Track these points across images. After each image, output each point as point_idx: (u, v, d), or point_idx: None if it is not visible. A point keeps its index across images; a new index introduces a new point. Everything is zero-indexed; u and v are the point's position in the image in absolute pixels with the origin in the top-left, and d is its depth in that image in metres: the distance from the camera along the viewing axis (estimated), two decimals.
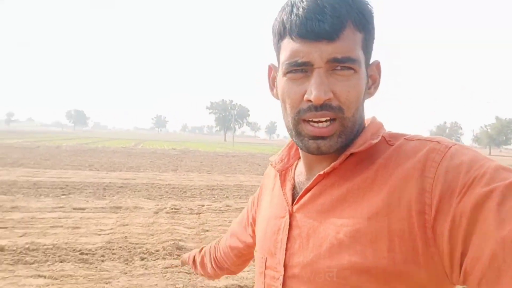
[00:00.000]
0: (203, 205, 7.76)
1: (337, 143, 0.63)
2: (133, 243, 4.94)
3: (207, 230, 5.89)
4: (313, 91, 0.59)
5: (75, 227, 5.55)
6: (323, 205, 0.64)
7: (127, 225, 5.86)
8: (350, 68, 0.60)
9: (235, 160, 22.35)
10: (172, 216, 6.68)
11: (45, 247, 4.52)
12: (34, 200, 7.27)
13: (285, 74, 0.63)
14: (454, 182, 0.52)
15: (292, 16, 0.60)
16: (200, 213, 7.09)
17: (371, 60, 0.67)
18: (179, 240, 5.20)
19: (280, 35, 0.64)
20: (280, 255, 0.69)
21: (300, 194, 0.69)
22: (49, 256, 4.26)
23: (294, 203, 0.70)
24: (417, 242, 0.53)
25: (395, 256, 0.54)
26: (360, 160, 0.64)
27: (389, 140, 0.65)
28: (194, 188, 10.03)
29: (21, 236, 4.91)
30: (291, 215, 0.69)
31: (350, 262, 0.57)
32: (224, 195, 9.27)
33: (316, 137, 0.62)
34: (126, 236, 5.22)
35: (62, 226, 5.52)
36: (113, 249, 4.64)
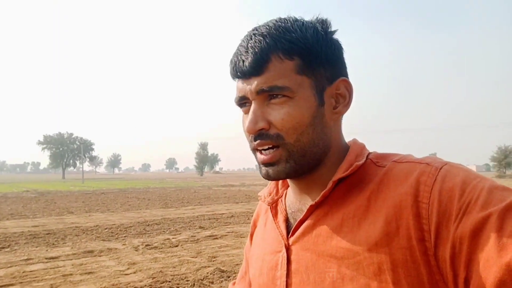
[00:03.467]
0: None
1: (286, 169, 0.63)
2: None
3: None
4: (246, 123, 0.63)
5: None
6: (319, 236, 0.62)
7: None
8: (282, 95, 0.61)
9: (130, 196, 21.53)
10: None
11: None
12: None
13: (240, 108, 0.67)
14: (449, 207, 0.52)
15: (231, 60, 0.65)
16: None
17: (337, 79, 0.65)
18: None
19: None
20: None
21: (294, 226, 0.67)
22: None
23: (289, 235, 0.68)
24: (421, 270, 0.52)
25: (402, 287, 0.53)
26: (350, 186, 0.63)
27: (377, 161, 0.64)
28: None
29: None
30: (288, 249, 0.67)
31: None
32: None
33: (265, 164, 0.64)
34: None
35: None
36: None
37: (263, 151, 0.64)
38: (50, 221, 10.94)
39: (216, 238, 8.01)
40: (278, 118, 0.61)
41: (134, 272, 5.44)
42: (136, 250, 6.91)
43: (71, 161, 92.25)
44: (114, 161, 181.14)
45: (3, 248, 7.20)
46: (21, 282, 5.01)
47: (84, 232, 8.89)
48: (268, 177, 0.65)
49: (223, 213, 12.23)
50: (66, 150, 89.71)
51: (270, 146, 0.63)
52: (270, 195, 0.77)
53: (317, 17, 0.67)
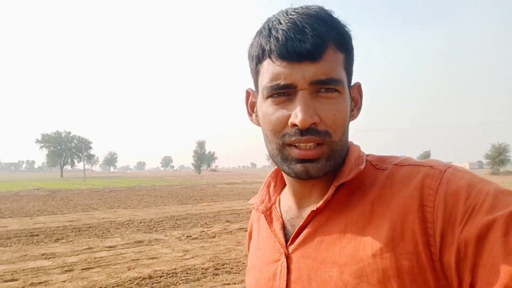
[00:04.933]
0: None
1: (326, 167, 0.60)
2: None
3: None
4: (298, 115, 0.56)
5: None
6: (321, 243, 0.60)
7: None
8: (335, 90, 0.58)
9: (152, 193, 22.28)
10: None
11: None
12: None
13: (266, 98, 0.60)
14: (454, 210, 0.51)
15: (271, 38, 0.58)
16: None
17: (352, 82, 0.65)
18: None
19: (259, 59, 0.61)
20: None
21: (294, 233, 0.64)
22: None
23: (289, 243, 0.64)
24: (427, 276, 0.51)
25: None
26: (351, 190, 0.62)
27: (376, 164, 0.63)
28: None
29: None
30: (287, 257, 0.64)
31: None
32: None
33: (303, 160, 0.59)
34: None
35: None
36: None
37: (303, 147, 0.58)
38: (81, 217, 11.74)
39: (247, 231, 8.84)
40: (330, 114, 0.58)
41: (192, 257, 6.28)
42: (180, 240, 7.75)
43: (69, 159, 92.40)
44: (111, 160, 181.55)
45: (59, 239, 8.02)
46: (99, 266, 5.85)
47: (122, 226, 9.71)
48: (306, 174, 0.59)
49: (240, 209, 13.07)
50: (64, 148, 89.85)
51: (317, 142, 0.58)
52: (262, 202, 0.73)
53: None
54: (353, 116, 0.66)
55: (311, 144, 0.58)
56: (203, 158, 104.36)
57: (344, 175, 0.61)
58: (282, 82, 0.57)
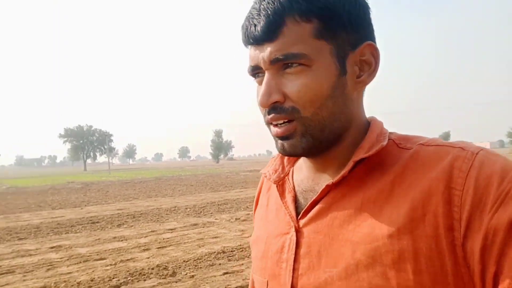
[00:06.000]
0: None
1: (302, 143, 0.58)
2: None
3: None
4: (258, 97, 0.59)
5: None
6: (335, 219, 0.58)
7: None
8: (299, 64, 0.56)
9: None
10: None
11: None
12: None
13: (254, 79, 0.63)
14: (485, 195, 0.49)
15: (242, 25, 0.60)
16: None
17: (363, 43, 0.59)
18: None
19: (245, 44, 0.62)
20: (286, 276, 0.61)
21: (306, 207, 0.62)
22: None
23: (300, 217, 0.63)
24: (446, 261, 0.49)
25: (422, 279, 0.50)
26: (370, 167, 0.59)
27: (399, 143, 0.60)
28: None
29: None
30: (297, 231, 0.62)
31: (370, 285, 0.52)
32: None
33: (279, 137, 0.60)
34: None
35: None
36: None
37: (278, 125, 0.59)
38: (127, 205, 12.56)
39: None
40: (293, 90, 0.56)
41: (251, 236, 6.87)
42: (231, 222, 8.39)
43: (92, 153, 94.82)
44: (130, 152, 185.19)
45: (121, 225, 8.78)
46: (171, 245, 6.54)
47: (171, 212, 10.44)
48: (283, 151, 0.60)
49: None
50: (86, 142, 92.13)
51: (285, 120, 0.58)
52: (275, 172, 0.71)
53: None
54: (362, 82, 0.61)
55: (280, 122, 0.59)
56: (220, 147, 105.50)
57: (364, 150, 0.59)
58: (251, 64, 0.60)
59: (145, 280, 4.75)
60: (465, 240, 0.49)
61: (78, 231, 8.28)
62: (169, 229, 7.92)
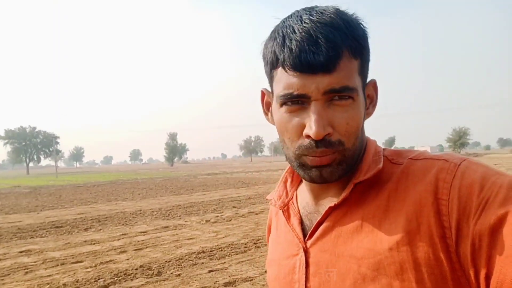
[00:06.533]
0: None
1: (338, 171, 0.61)
2: None
3: None
4: (312, 127, 0.57)
5: None
6: (339, 237, 0.62)
7: None
8: (348, 97, 0.58)
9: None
10: None
11: None
12: None
13: (281, 105, 0.62)
14: (469, 204, 0.52)
15: (285, 48, 0.58)
16: None
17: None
18: None
19: (273, 65, 0.62)
20: None
21: (312, 228, 0.66)
22: None
23: (307, 238, 0.67)
24: (444, 267, 0.53)
25: (425, 286, 0.53)
26: (368, 185, 0.63)
27: (392, 159, 0.65)
28: None
29: None
30: (305, 251, 0.66)
31: None
32: None
33: (318, 166, 0.61)
34: None
35: None
36: None
37: (318, 155, 0.60)
38: (87, 210, 12.18)
39: (257, 214, 9.79)
40: (342, 122, 0.59)
41: (226, 236, 7.13)
42: (202, 224, 8.53)
43: (35, 156, 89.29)
44: (77, 155, 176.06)
45: (88, 229, 8.60)
46: (147, 246, 6.59)
47: (137, 215, 10.34)
48: (321, 178, 0.61)
49: (238, 196, 13.91)
50: (29, 144, 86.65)
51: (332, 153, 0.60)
52: (280, 198, 0.75)
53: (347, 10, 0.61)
54: (368, 114, 0.67)
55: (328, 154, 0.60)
56: (175, 150, 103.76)
57: (362, 173, 0.63)
58: (295, 92, 0.58)
59: (132, 280, 4.84)
60: (457, 247, 0.52)
61: (43, 235, 8.03)
62: (141, 232, 7.92)
